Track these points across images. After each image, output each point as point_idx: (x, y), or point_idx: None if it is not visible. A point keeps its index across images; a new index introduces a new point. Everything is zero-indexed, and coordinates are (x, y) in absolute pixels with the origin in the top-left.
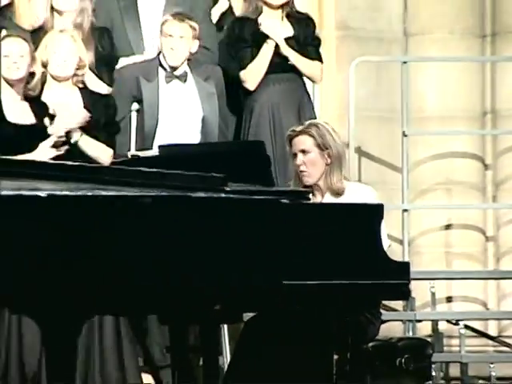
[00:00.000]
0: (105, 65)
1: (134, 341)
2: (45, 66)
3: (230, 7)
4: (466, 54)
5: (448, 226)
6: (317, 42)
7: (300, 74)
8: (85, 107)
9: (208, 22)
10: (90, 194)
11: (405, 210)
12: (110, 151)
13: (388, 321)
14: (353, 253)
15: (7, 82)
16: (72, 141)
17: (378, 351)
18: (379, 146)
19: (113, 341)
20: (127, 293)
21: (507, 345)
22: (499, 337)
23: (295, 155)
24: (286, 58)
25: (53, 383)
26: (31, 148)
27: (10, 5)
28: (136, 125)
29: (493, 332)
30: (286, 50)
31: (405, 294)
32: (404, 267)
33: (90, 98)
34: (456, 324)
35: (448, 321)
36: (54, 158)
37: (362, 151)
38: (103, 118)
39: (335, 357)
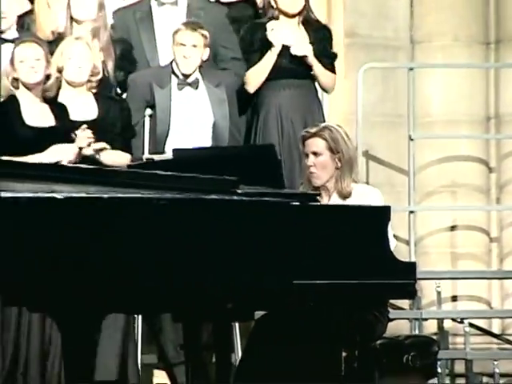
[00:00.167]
0: (123, 74)
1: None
2: (60, 71)
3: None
4: (471, 60)
5: (453, 227)
6: (333, 55)
7: (313, 81)
8: (100, 112)
9: (230, 32)
10: (105, 196)
11: (411, 212)
12: (128, 156)
13: (395, 319)
14: (361, 253)
15: (25, 86)
16: (94, 151)
17: (386, 349)
18: (386, 149)
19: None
20: (143, 293)
21: (510, 342)
22: (503, 335)
23: (307, 155)
24: (298, 64)
25: (71, 380)
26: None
27: (31, 12)
28: (149, 129)
29: (496, 330)
30: (312, 59)
31: (411, 294)
32: (410, 267)
33: (104, 103)
34: (461, 322)
35: (453, 319)
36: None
37: (370, 155)
38: (119, 123)
39: (344, 354)
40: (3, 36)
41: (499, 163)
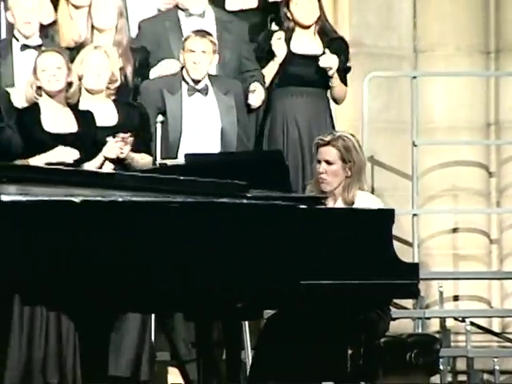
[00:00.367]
0: (141, 80)
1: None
2: (80, 79)
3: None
4: (472, 69)
5: (455, 230)
6: (347, 68)
7: (325, 90)
8: (120, 118)
9: (251, 44)
10: (120, 199)
11: (414, 215)
12: (151, 158)
13: (399, 318)
14: (366, 255)
15: (48, 93)
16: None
17: (389, 346)
18: (391, 155)
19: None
20: (156, 293)
21: (510, 340)
22: (503, 333)
23: (319, 161)
24: (312, 73)
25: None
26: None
27: (54, 23)
28: (161, 135)
29: (496, 328)
30: (334, 71)
31: (414, 294)
32: (413, 268)
33: (124, 110)
34: (462, 321)
35: (455, 318)
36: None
37: (375, 160)
38: (139, 127)
39: (349, 352)
40: (27, 42)
41: (499, 168)
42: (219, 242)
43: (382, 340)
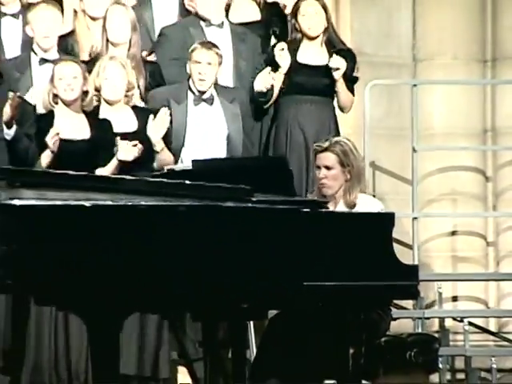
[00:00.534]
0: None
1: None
2: (98, 90)
3: None
4: (469, 77)
5: (453, 233)
6: (355, 78)
7: (332, 99)
8: (140, 125)
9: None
10: (129, 203)
11: (414, 218)
12: (172, 158)
13: (399, 318)
14: (367, 257)
15: (64, 102)
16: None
17: (390, 345)
18: (391, 160)
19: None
20: (164, 294)
21: (507, 340)
22: (499, 332)
23: (319, 167)
24: (317, 82)
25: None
26: (90, 161)
27: (72, 32)
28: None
29: (493, 328)
30: (340, 74)
31: (414, 294)
32: (413, 270)
33: (142, 116)
34: (461, 321)
35: (453, 318)
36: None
37: (376, 165)
38: None
39: (351, 351)
40: (45, 56)
41: (495, 173)
42: (225, 245)
43: (383, 339)
